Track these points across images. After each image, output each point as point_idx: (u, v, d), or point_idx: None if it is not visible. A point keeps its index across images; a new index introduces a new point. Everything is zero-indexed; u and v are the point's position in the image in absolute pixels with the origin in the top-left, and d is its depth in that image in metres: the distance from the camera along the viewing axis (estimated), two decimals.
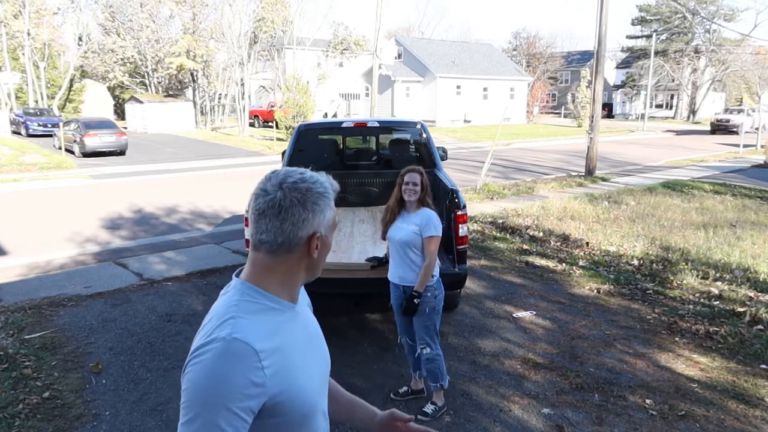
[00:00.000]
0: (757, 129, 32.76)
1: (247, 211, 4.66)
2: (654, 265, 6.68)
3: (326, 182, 1.23)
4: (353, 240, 5.10)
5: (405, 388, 3.82)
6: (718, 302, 5.48)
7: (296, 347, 1.19)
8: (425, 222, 3.35)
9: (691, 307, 5.38)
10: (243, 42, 30.83)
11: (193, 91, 36.15)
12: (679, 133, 34.32)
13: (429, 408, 3.55)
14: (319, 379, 1.26)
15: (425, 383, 3.73)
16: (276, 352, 1.11)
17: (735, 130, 32.55)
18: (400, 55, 38.95)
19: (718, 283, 6.03)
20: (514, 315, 5.20)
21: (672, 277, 6.22)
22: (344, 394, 1.54)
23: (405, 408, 3.63)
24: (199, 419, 1.03)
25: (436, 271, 3.47)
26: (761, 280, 6.15)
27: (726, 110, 38.00)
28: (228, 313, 1.13)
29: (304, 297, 1.34)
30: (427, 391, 3.72)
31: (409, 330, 3.59)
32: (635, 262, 6.79)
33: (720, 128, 33.72)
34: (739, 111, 35.67)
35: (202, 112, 35.34)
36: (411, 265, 3.41)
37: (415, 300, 3.33)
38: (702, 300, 5.57)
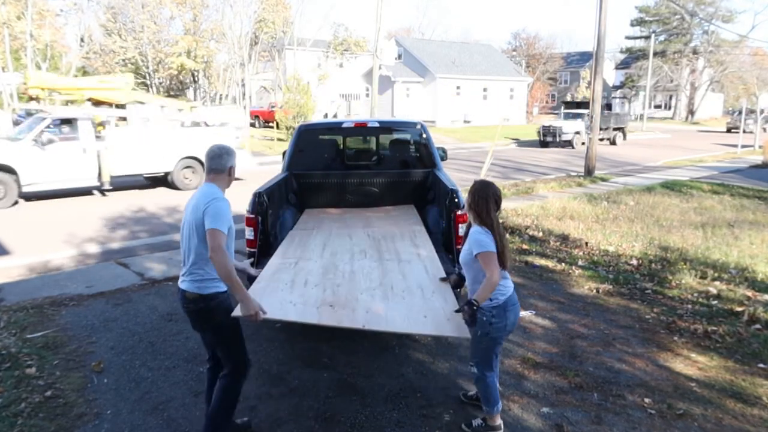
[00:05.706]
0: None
1: (247, 211, 4.69)
2: (653, 264, 6.70)
3: (232, 148, 3.14)
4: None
5: (473, 392, 3.70)
6: (716, 302, 5.50)
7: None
8: (469, 240, 3.22)
9: (689, 306, 5.40)
10: (244, 43, 30.90)
11: (194, 91, 36.23)
12: None
13: (475, 422, 3.42)
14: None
15: None
16: None
17: None
18: (400, 56, 38.99)
19: (717, 283, 6.05)
20: None
21: (671, 277, 6.24)
22: None
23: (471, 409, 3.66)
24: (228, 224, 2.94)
25: (497, 298, 3.22)
26: (759, 279, 6.18)
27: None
28: (214, 191, 3.00)
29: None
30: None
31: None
32: (634, 261, 6.81)
33: None
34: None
35: None
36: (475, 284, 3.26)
37: (466, 307, 3.06)
38: (700, 299, 5.59)
